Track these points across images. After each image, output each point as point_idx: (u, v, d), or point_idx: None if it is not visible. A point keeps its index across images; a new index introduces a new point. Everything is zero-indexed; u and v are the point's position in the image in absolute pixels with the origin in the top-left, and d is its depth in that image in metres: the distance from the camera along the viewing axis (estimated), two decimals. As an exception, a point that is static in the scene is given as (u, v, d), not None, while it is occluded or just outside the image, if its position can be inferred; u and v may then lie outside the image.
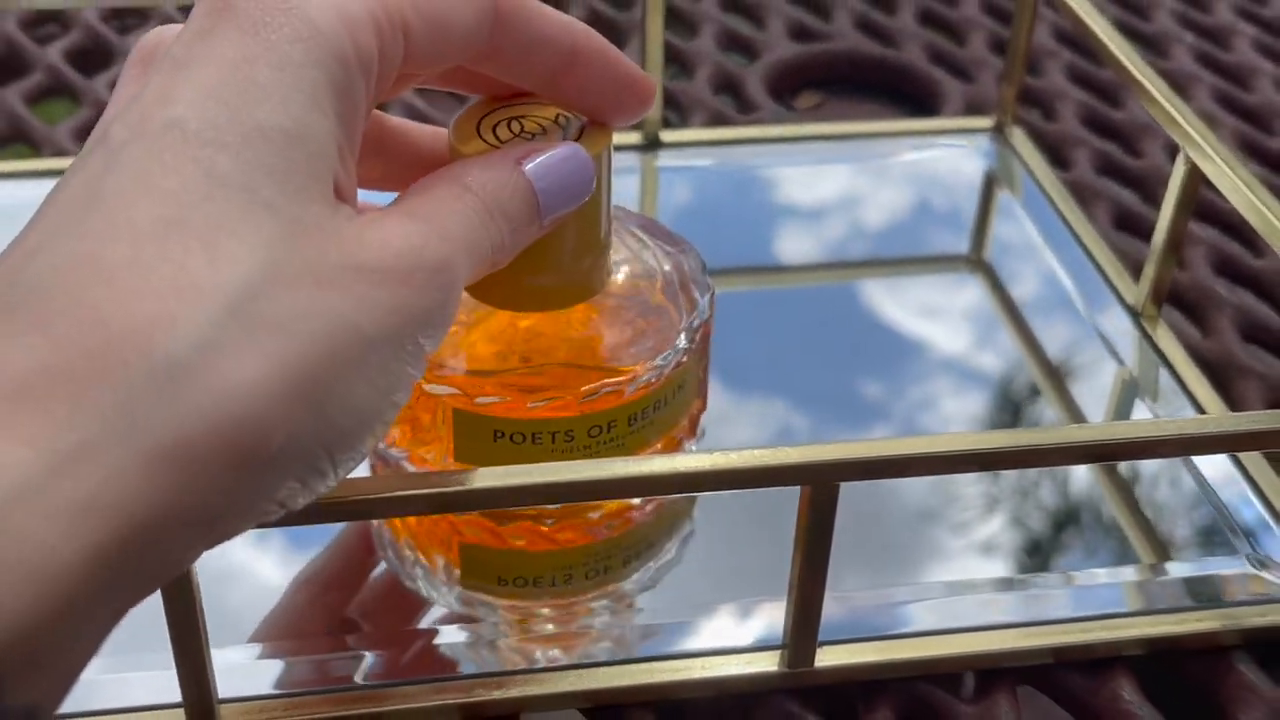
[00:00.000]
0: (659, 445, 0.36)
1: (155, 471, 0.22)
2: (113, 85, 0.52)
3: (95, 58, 0.63)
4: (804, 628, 0.35)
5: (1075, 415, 0.46)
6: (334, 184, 0.25)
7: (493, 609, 0.37)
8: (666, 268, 0.37)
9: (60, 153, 0.56)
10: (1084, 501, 0.43)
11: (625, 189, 0.54)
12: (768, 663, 0.36)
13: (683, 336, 0.35)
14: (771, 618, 0.37)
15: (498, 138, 0.31)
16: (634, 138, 0.56)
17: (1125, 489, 0.43)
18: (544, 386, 0.34)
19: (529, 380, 0.34)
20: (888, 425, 0.45)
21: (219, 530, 0.24)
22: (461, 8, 0.27)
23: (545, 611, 0.37)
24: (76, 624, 0.21)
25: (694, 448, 0.38)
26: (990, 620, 0.38)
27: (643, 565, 0.38)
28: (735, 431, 0.44)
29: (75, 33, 0.64)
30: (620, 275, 0.35)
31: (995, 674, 0.37)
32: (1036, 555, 0.41)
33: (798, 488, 0.32)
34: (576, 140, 0.31)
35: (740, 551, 0.40)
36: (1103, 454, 0.35)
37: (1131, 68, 0.46)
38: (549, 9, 0.29)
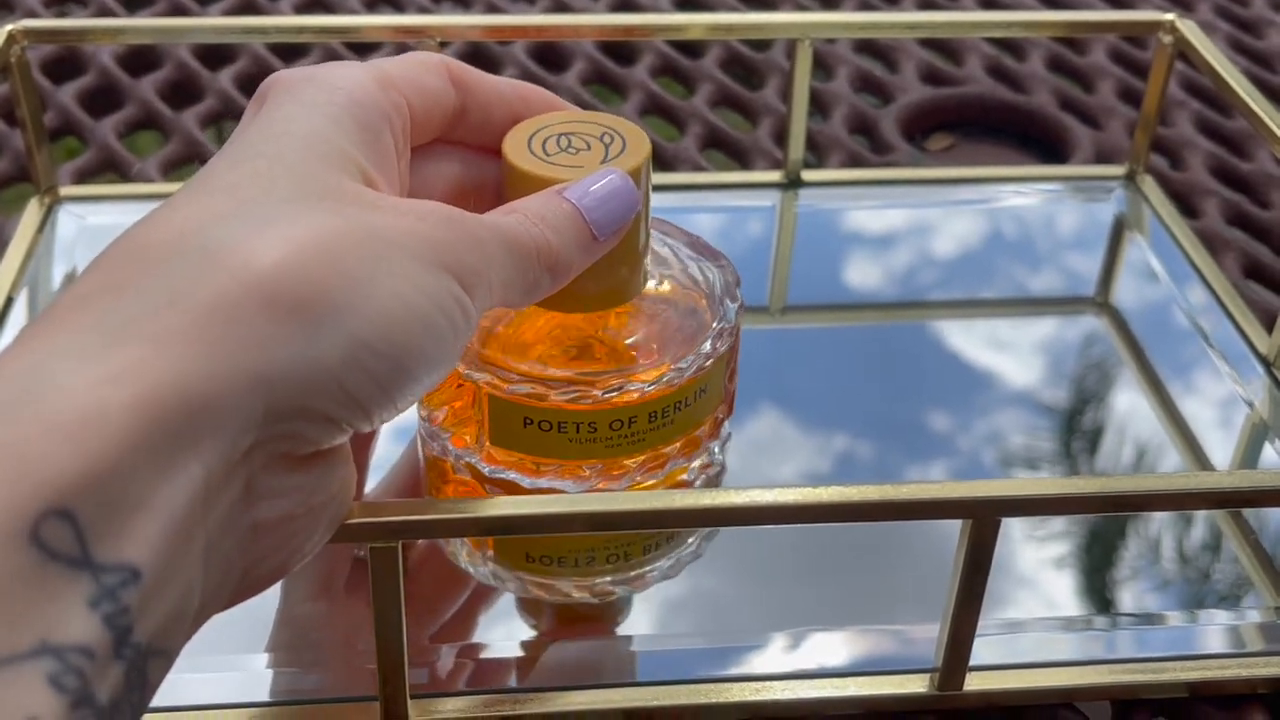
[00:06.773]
0: (679, 443, 0.38)
1: (204, 327, 0.25)
2: (199, 120, 0.63)
3: (186, 93, 0.66)
4: (956, 652, 0.37)
5: (1202, 459, 0.47)
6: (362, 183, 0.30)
7: (521, 584, 0.39)
8: (710, 277, 0.39)
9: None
10: (1214, 543, 0.45)
11: (766, 223, 0.57)
12: (918, 684, 0.38)
13: (707, 343, 0.37)
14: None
15: (546, 152, 0.34)
16: (775, 176, 0.58)
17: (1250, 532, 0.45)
18: (571, 382, 0.36)
19: (557, 376, 0.36)
20: (1031, 462, 0.47)
21: (279, 398, 0.26)
22: (426, 73, 0.34)
23: (567, 585, 0.39)
24: (141, 470, 0.24)
25: (716, 449, 0.40)
26: (1130, 654, 0.39)
27: (663, 555, 0.40)
28: (855, 465, 0.46)
29: (168, 68, 0.67)
30: (666, 285, 0.38)
31: (1133, 705, 0.39)
32: (1166, 594, 0.43)
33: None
34: (619, 154, 0.34)
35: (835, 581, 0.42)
36: (1239, 501, 0.36)
37: (1264, 115, 0.48)
38: (488, 75, 0.35)
